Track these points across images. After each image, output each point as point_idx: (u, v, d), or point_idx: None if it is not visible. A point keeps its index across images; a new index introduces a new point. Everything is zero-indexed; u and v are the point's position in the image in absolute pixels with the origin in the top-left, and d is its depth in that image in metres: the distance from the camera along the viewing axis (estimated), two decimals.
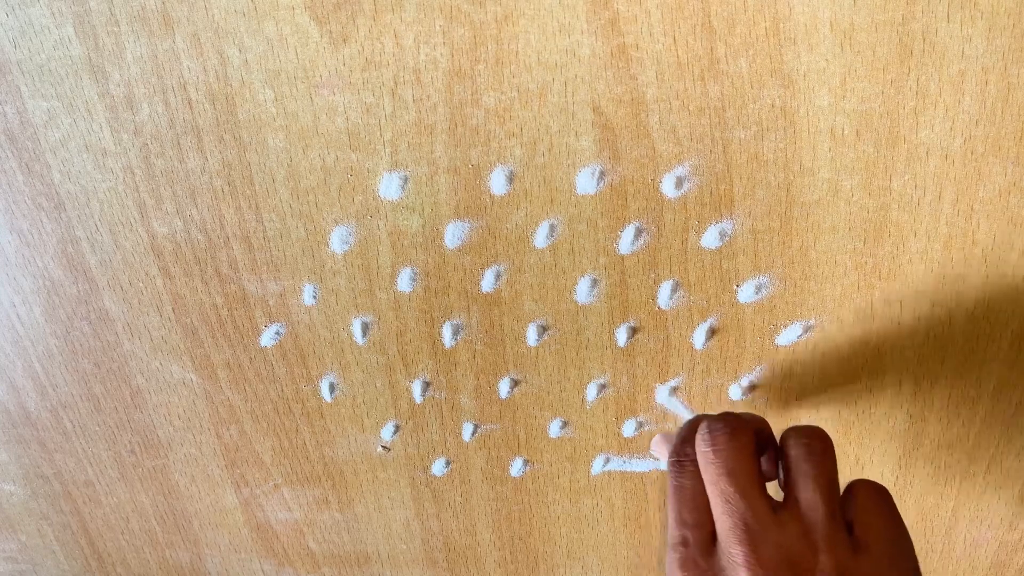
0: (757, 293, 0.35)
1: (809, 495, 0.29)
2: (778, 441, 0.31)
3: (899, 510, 0.30)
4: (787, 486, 0.30)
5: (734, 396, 0.38)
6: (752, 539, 0.28)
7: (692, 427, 0.32)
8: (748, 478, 0.29)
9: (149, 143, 0.34)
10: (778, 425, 0.39)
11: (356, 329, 0.38)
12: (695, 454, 0.30)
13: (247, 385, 0.41)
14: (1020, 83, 0.29)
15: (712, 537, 0.29)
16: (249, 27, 0.31)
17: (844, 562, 0.27)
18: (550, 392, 0.39)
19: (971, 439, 0.39)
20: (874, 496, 0.30)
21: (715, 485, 0.29)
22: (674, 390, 0.38)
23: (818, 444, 0.30)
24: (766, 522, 0.28)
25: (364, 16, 0.30)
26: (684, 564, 0.29)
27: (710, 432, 0.30)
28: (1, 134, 0.34)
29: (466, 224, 0.35)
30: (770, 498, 0.29)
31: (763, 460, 0.32)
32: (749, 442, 0.30)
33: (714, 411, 0.39)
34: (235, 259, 0.36)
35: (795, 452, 0.30)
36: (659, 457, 0.39)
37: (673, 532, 0.30)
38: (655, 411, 0.39)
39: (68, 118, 0.33)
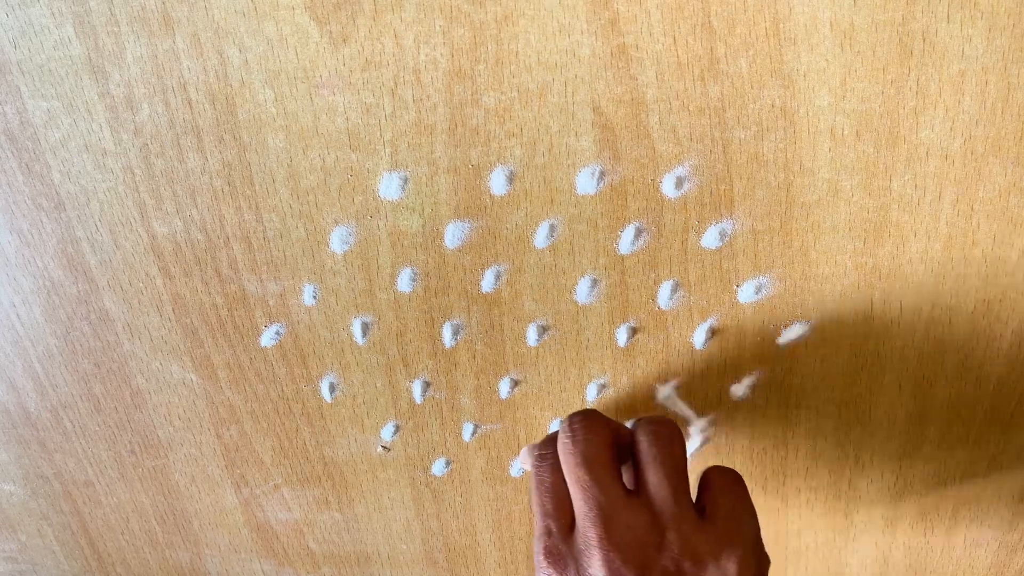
0: (757, 293, 0.35)
1: (656, 478, 0.31)
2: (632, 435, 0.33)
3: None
4: (636, 472, 0.32)
5: (734, 396, 0.38)
6: (605, 521, 0.30)
7: (557, 430, 0.34)
8: (603, 466, 0.31)
9: (149, 143, 0.34)
10: (777, 426, 0.39)
11: (356, 329, 0.38)
12: (556, 450, 0.33)
13: (247, 385, 0.41)
14: (1020, 83, 0.29)
15: (572, 525, 0.31)
16: (249, 27, 0.31)
17: (688, 536, 0.30)
18: (550, 392, 0.39)
19: (971, 439, 0.39)
20: (721, 477, 0.33)
21: (572, 474, 0.31)
22: (676, 390, 0.38)
23: (663, 430, 0.32)
24: (618, 506, 0.30)
25: (364, 16, 0.30)
26: (547, 552, 0.31)
27: (569, 425, 0.32)
28: (1, 134, 0.34)
29: (466, 224, 0.35)
30: (623, 485, 0.31)
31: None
32: (605, 434, 0.32)
33: (714, 411, 0.39)
34: (235, 259, 0.36)
35: (643, 439, 0.32)
36: (526, 466, 0.40)
37: (538, 524, 0.32)
38: (655, 411, 0.39)
39: (68, 118, 0.33)
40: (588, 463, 0.31)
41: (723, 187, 0.33)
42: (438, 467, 0.43)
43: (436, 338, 0.38)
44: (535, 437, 0.41)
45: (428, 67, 0.31)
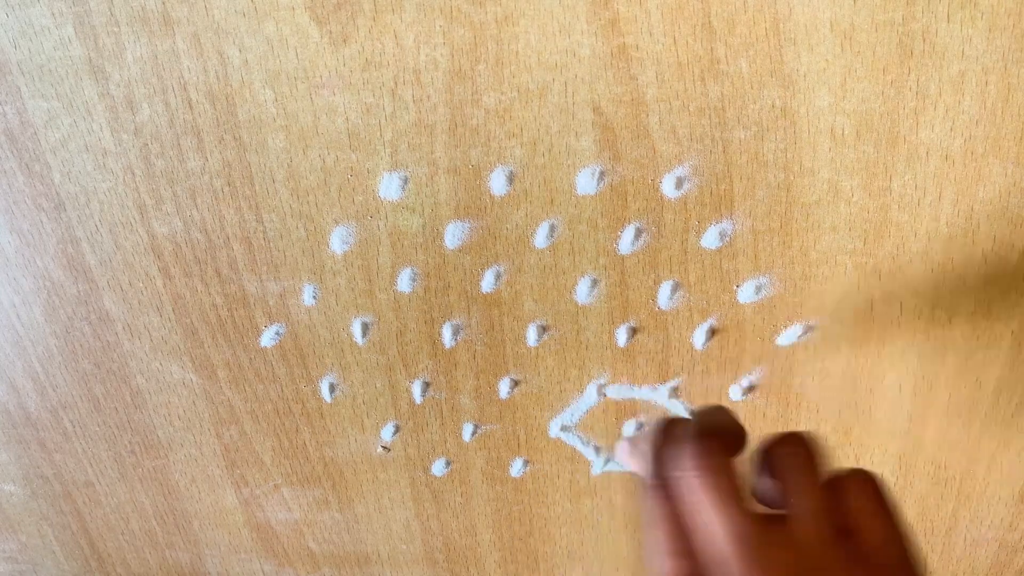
0: (757, 293, 0.35)
1: (802, 509, 0.28)
2: (761, 449, 0.30)
3: (899, 509, 0.30)
4: (785, 497, 0.29)
5: (734, 396, 0.38)
6: (751, 557, 0.27)
7: (664, 438, 0.30)
8: (734, 497, 0.28)
9: (149, 143, 0.34)
10: (777, 426, 0.39)
11: (356, 329, 0.38)
12: (673, 477, 0.29)
13: (247, 385, 0.41)
14: (1020, 83, 0.29)
15: (699, 564, 0.28)
16: (249, 27, 0.31)
17: (849, 567, 0.26)
18: (550, 392, 0.39)
19: (971, 439, 0.39)
20: (868, 493, 0.29)
21: (701, 508, 0.28)
22: (674, 391, 0.38)
23: (805, 451, 0.29)
24: (761, 539, 0.27)
25: (364, 16, 0.30)
26: None
27: (688, 456, 0.29)
28: (1, 134, 0.34)
29: (466, 224, 0.34)
30: (760, 514, 0.28)
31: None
32: (728, 459, 0.29)
33: None
34: (235, 259, 0.36)
35: (783, 463, 0.29)
36: (625, 465, 0.38)
37: (663, 566, 0.28)
38: (655, 411, 0.39)
39: (68, 118, 0.33)
40: (717, 496, 0.27)
41: (723, 187, 0.33)
42: (438, 467, 0.43)
43: (436, 338, 0.38)
44: (535, 437, 0.41)
45: (428, 67, 0.31)
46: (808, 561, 0.27)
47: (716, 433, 0.29)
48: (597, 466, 0.42)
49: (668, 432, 0.30)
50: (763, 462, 0.30)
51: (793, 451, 0.29)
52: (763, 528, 0.27)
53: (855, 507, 0.28)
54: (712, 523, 0.28)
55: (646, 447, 0.31)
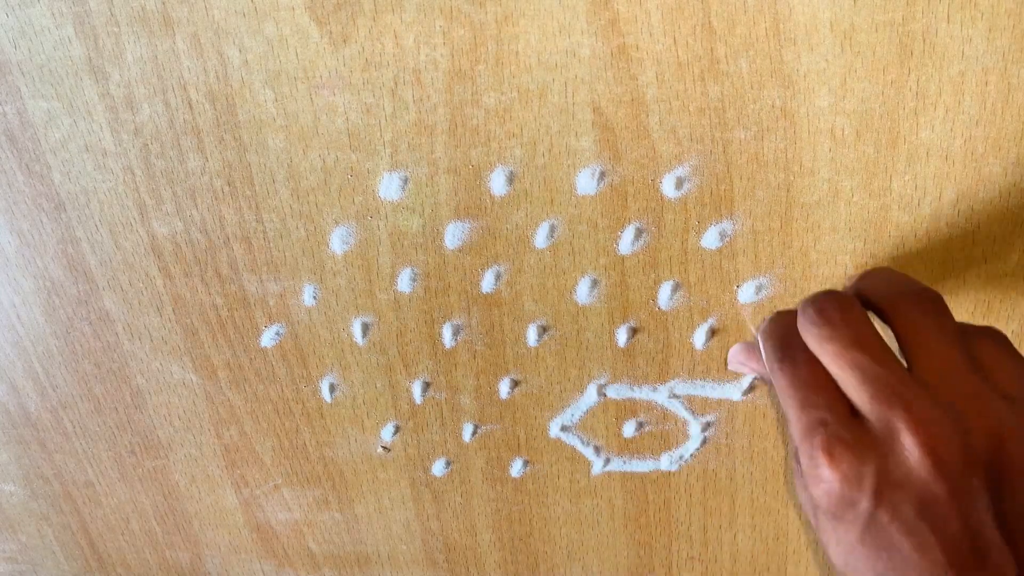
0: (757, 294, 0.35)
1: (944, 350, 0.26)
2: (883, 309, 0.29)
3: None
4: (912, 348, 0.27)
5: (735, 396, 0.38)
6: (903, 400, 0.25)
7: (782, 323, 0.29)
8: (880, 346, 0.26)
9: (149, 143, 0.34)
10: (777, 426, 0.39)
11: (356, 329, 0.38)
12: (801, 343, 0.28)
13: (247, 385, 0.41)
14: (1020, 84, 0.29)
15: (851, 412, 0.26)
16: (249, 27, 0.31)
17: (1004, 416, 0.25)
18: (550, 392, 0.39)
19: None
20: (1000, 343, 0.27)
21: (841, 359, 0.26)
22: (674, 391, 0.37)
23: (930, 295, 0.28)
24: (910, 382, 0.25)
25: (364, 17, 0.30)
26: (830, 445, 0.25)
27: (818, 312, 0.27)
28: (1, 134, 0.34)
29: (466, 224, 0.35)
30: (901, 362, 0.27)
31: None
32: (862, 310, 0.27)
33: (714, 411, 0.39)
34: (235, 259, 0.36)
35: (913, 313, 0.27)
36: (744, 369, 0.35)
37: (804, 420, 0.26)
38: (655, 411, 0.39)
39: (68, 118, 0.33)
40: (858, 344, 0.26)
41: (723, 187, 0.33)
42: (438, 467, 0.43)
43: (436, 338, 0.38)
44: (535, 437, 0.41)
45: (428, 67, 0.31)
46: (956, 394, 0.25)
47: (841, 293, 0.28)
48: (597, 466, 0.42)
49: (780, 318, 0.29)
50: (889, 314, 0.28)
51: (921, 300, 0.27)
52: (905, 372, 0.26)
53: (988, 354, 0.27)
54: (852, 372, 0.26)
55: (762, 337, 0.29)
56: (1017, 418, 0.25)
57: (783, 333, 0.28)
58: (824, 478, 0.25)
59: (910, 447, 0.24)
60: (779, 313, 0.29)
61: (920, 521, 0.24)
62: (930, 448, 0.24)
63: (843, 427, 0.25)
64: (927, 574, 0.24)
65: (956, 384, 0.25)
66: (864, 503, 0.25)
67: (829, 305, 0.27)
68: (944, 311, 0.27)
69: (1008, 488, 0.24)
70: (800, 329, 0.28)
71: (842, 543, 0.26)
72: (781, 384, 0.28)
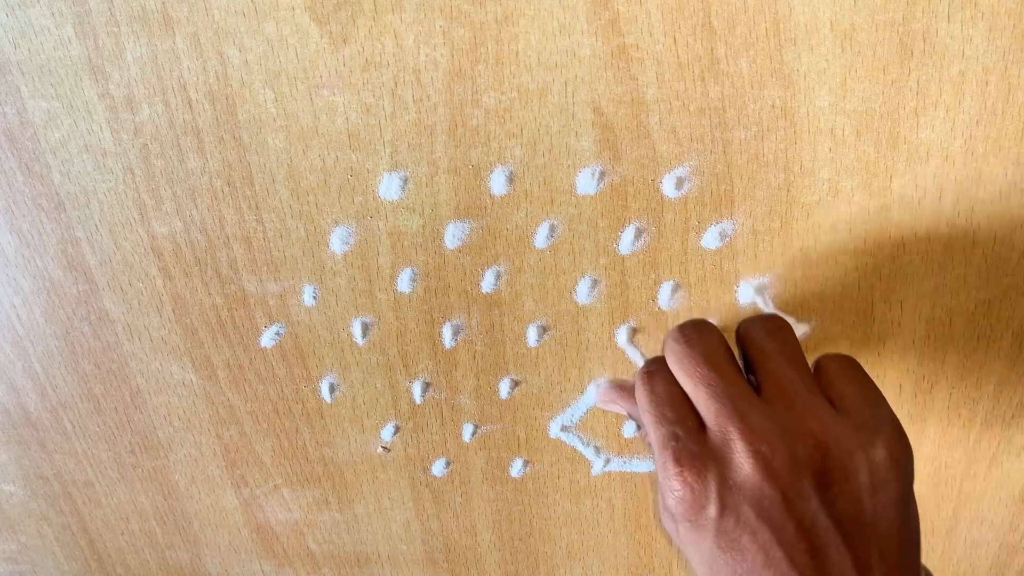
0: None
1: (782, 370, 0.29)
2: (739, 337, 0.32)
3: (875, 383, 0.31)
4: (757, 368, 0.30)
5: None
6: (741, 414, 0.28)
7: (655, 357, 0.32)
8: (727, 362, 0.29)
9: (149, 144, 0.34)
10: None
11: (356, 330, 0.38)
12: (664, 365, 0.31)
13: (247, 386, 0.41)
14: (1020, 83, 0.29)
15: (700, 427, 0.29)
16: (249, 27, 0.31)
17: (831, 427, 0.28)
18: (550, 392, 0.39)
19: (971, 439, 0.39)
20: (840, 367, 0.30)
21: (694, 375, 0.29)
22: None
23: (776, 322, 0.31)
24: (751, 398, 0.28)
25: (364, 16, 0.30)
26: (679, 457, 0.28)
27: (680, 332, 0.30)
28: (1, 134, 0.34)
29: (466, 224, 0.35)
30: (749, 380, 0.30)
31: None
32: (719, 334, 0.30)
33: None
34: (235, 259, 0.36)
35: (758, 334, 0.30)
36: (613, 407, 0.38)
37: (659, 433, 0.29)
38: None
39: (68, 118, 0.33)
40: (710, 361, 0.29)
41: (723, 187, 0.33)
42: (438, 467, 0.43)
43: (436, 338, 0.38)
44: (535, 437, 0.41)
45: (428, 67, 0.31)
46: (795, 412, 0.28)
47: (706, 322, 0.31)
48: (597, 466, 0.42)
49: (655, 357, 0.32)
50: (743, 342, 0.31)
51: (766, 323, 0.31)
52: (749, 389, 0.29)
53: (832, 375, 0.30)
54: (701, 387, 0.29)
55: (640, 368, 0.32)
56: (843, 430, 0.28)
57: (651, 360, 0.32)
58: (675, 488, 0.28)
59: (743, 455, 0.27)
60: (679, 326, 0.32)
61: (760, 522, 0.27)
62: (760, 455, 0.27)
63: (692, 440, 0.28)
64: (775, 572, 0.27)
65: (790, 399, 0.28)
66: (711, 508, 0.27)
67: (690, 328, 0.30)
68: (787, 337, 0.30)
69: (838, 492, 0.27)
70: (664, 349, 0.31)
71: (701, 550, 0.28)
72: (641, 402, 0.31)
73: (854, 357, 0.31)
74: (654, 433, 0.30)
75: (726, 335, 0.31)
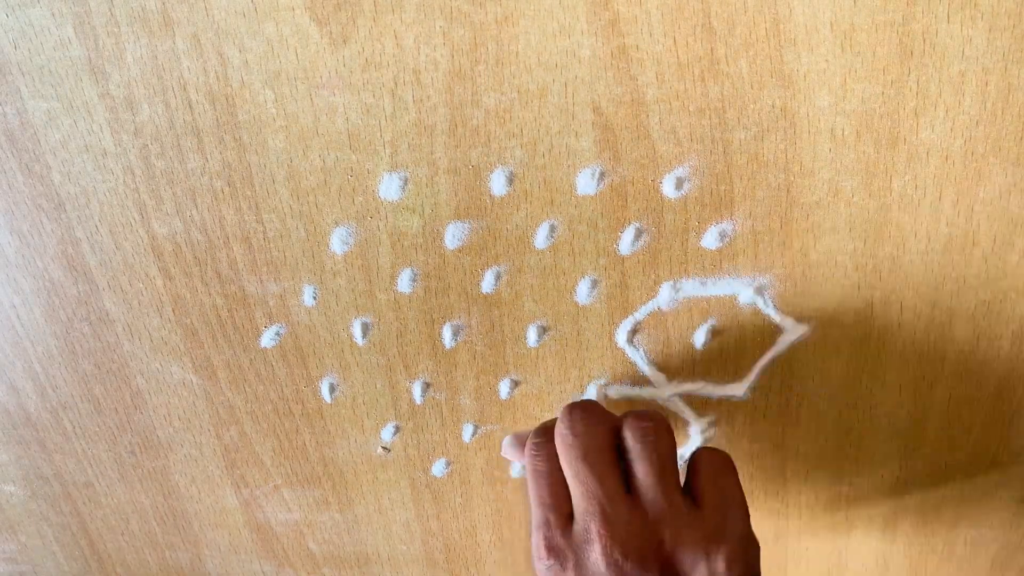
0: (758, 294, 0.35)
1: (645, 476, 0.32)
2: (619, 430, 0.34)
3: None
4: (626, 467, 0.32)
5: (736, 395, 0.38)
6: (604, 517, 0.31)
7: (549, 424, 0.34)
8: (603, 460, 0.32)
9: (149, 144, 0.34)
10: (777, 427, 0.39)
11: (356, 330, 0.38)
12: (553, 439, 0.33)
13: (247, 386, 0.41)
14: (1020, 83, 0.29)
15: (570, 517, 0.32)
16: (249, 28, 0.31)
17: (681, 533, 0.31)
18: (550, 393, 0.39)
19: (971, 439, 0.39)
20: (710, 464, 0.33)
21: (572, 467, 0.32)
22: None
23: (649, 426, 0.32)
24: (617, 502, 0.31)
25: (364, 17, 0.30)
26: (548, 544, 0.32)
27: (569, 417, 0.32)
28: (1, 135, 0.34)
29: (466, 225, 0.35)
30: (622, 480, 0.32)
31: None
32: (606, 427, 0.32)
33: (714, 412, 0.39)
34: (235, 260, 0.36)
35: (630, 435, 0.32)
36: (511, 459, 0.40)
37: (536, 513, 0.32)
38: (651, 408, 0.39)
39: (68, 119, 0.33)
40: (588, 457, 0.32)
41: (723, 188, 0.33)
42: (438, 468, 0.43)
43: (436, 339, 0.38)
44: None
45: (428, 68, 0.31)
46: (650, 519, 0.31)
47: (597, 408, 0.33)
48: None
49: (550, 421, 0.35)
50: (618, 433, 0.33)
51: (640, 425, 0.32)
52: (618, 491, 0.31)
53: (702, 475, 0.33)
54: (576, 481, 0.32)
55: (533, 432, 0.35)
56: (694, 538, 0.31)
57: (545, 429, 0.34)
58: (541, 569, 0.32)
59: (599, 555, 0.30)
60: (570, 406, 0.34)
61: None
62: (613, 560, 0.30)
63: (559, 531, 0.32)
64: None
65: (650, 504, 0.31)
66: None
67: (578, 416, 0.33)
68: (657, 433, 0.32)
69: None
70: (555, 432, 0.33)
71: None
72: (529, 475, 0.34)
73: (723, 452, 0.34)
74: (532, 507, 0.33)
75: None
